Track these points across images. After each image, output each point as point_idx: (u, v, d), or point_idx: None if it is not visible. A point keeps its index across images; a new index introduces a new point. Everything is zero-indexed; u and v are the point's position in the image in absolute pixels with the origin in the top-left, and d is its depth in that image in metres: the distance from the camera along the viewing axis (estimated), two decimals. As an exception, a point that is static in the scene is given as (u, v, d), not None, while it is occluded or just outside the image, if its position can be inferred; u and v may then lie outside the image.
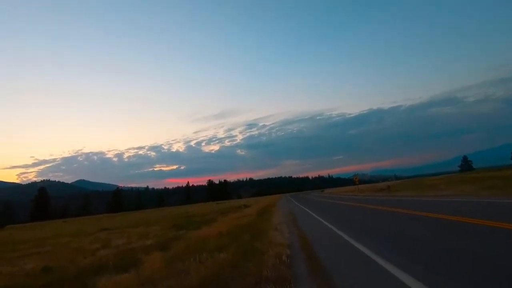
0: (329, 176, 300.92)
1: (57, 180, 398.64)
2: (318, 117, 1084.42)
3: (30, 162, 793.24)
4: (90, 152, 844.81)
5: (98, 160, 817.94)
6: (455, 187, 22.10)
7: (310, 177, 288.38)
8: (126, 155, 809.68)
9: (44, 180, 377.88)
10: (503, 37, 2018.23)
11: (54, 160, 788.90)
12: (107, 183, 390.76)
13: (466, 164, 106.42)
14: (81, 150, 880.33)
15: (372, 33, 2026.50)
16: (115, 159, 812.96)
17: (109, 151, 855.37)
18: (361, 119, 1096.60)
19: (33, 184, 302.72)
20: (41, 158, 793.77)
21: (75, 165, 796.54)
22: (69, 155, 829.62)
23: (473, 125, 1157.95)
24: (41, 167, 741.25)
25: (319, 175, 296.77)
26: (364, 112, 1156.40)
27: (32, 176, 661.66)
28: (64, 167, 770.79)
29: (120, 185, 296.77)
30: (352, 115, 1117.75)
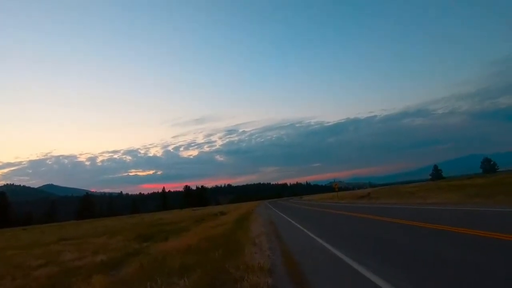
0: (307, 183, 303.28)
1: (22, 185, 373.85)
2: (297, 125, 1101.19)
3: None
4: (61, 156, 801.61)
5: (69, 163, 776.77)
6: (439, 195, 21.50)
7: (289, 184, 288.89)
8: (99, 159, 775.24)
9: (7, 184, 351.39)
10: (469, 55, 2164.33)
11: (20, 163, 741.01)
12: (78, 188, 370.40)
13: (436, 173, 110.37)
14: (50, 153, 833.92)
15: (351, 45, 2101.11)
16: (87, 163, 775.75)
17: (81, 154, 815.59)
18: (338, 128, 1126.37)
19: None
20: (5, 160, 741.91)
21: (43, 168, 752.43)
22: (37, 158, 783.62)
23: (442, 136, 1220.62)
24: (5, 170, 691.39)
25: (297, 182, 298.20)
26: (342, 121, 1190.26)
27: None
28: (31, 171, 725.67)
29: (92, 190, 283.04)
30: (330, 124, 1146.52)
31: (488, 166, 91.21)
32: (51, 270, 9.38)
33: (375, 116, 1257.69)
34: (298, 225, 12.43)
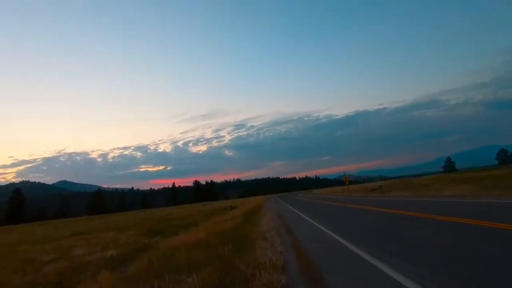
0: (315, 176, 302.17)
1: (37, 181, 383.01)
2: (305, 118, 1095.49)
3: (8, 162, 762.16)
4: (73, 152, 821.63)
5: (81, 160, 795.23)
6: (453, 188, 20.85)
7: (297, 178, 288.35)
8: (110, 155, 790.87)
9: (23, 181, 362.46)
10: (482, 43, 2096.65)
11: (34, 160, 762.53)
12: (91, 184, 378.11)
13: (449, 165, 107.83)
14: (63, 150, 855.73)
15: (359, 38, 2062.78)
16: (99, 159, 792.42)
17: (93, 151, 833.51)
18: (347, 121, 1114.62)
19: (10, 185, 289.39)
20: (21, 158, 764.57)
21: (57, 165, 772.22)
22: (51, 155, 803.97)
23: (454, 128, 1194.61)
24: (21, 167, 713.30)
25: (306, 176, 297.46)
26: (351, 114, 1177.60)
27: (10, 177, 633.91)
28: (45, 168, 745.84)
29: (104, 186, 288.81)
30: (339, 117, 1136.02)
31: (505, 157, 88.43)
32: (61, 266, 9.34)
33: (385, 108, 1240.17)
34: (310, 220, 12.00)
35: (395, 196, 22.15)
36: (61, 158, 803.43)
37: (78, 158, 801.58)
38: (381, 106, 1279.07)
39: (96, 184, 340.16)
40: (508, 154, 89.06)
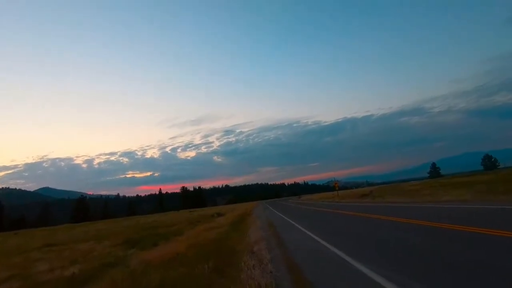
0: (304, 182, 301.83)
1: (18, 188, 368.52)
2: (294, 125, 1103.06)
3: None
4: (57, 158, 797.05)
5: (65, 166, 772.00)
6: (447, 193, 20.16)
7: (286, 184, 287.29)
8: (96, 161, 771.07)
9: (3, 188, 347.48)
10: (465, 53, 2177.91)
11: (15, 166, 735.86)
12: (75, 190, 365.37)
13: (434, 171, 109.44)
14: (46, 155, 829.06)
15: (348, 47, 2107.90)
16: (84, 165, 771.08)
17: (78, 157, 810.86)
18: (336, 127, 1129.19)
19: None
20: (1, 164, 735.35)
21: (39, 171, 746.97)
22: (33, 161, 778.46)
23: (438, 134, 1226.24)
24: (1, 173, 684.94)
25: (295, 182, 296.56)
26: (339, 120, 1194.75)
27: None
28: (27, 174, 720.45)
29: (89, 193, 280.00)
30: (327, 123, 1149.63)
31: (489, 163, 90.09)
32: (11, 287, 7.92)
33: (372, 115, 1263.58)
34: (303, 229, 10.82)
35: (389, 202, 21.33)
36: (44, 164, 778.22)
37: (62, 164, 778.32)
38: (368, 113, 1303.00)
39: (80, 191, 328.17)
40: (493, 159, 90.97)
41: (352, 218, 12.62)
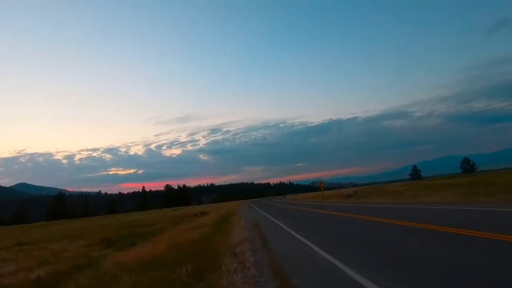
0: (289, 182, 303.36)
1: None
2: (281, 125, 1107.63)
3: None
4: (35, 153, 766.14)
5: (44, 161, 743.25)
6: (431, 194, 20.39)
7: (272, 183, 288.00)
8: (77, 157, 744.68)
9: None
10: (445, 60, 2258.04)
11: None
12: (54, 187, 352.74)
13: (415, 173, 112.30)
14: (24, 150, 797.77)
15: (333, 50, 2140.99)
16: (64, 161, 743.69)
17: (58, 152, 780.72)
18: (322, 128, 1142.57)
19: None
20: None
21: (16, 166, 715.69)
22: (10, 155, 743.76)
23: (420, 138, 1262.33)
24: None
25: (280, 182, 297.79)
26: (325, 121, 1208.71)
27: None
28: (2, 169, 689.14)
29: (70, 190, 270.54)
30: (313, 124, 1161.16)
31: (468, 166, 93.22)
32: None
33: (357, 117, 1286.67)
34: (288, 229, 10.47)
35: (374, 202, 21.37)
36: (21, 159, 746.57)
37: (41, 159, 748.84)
38: (354, 115, 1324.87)
39: (60, 187, 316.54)
40: (471, 163, 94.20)
41: (336, 219, 12.42)
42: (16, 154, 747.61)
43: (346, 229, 9.33)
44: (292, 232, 9.53)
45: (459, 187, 22.24)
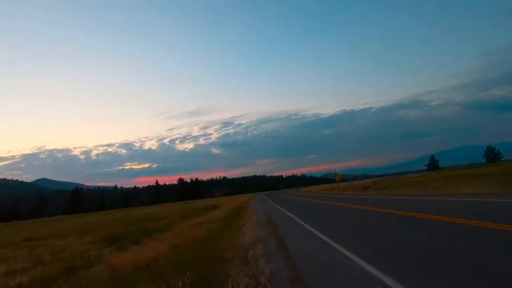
0: (302, 175, 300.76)
1: (14, 179, 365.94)
2: (293, 117, 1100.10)
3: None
4: (54, 149, 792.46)
5: (62, 157, 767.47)
6: (464, 185, 18.38)
7: (284, 176, 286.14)
8: (94, 152, 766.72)
9: (0, 178, 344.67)
10: (463, 47, 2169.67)
11: (12, 157, 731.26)
12: (72, 182, 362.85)
13: (433, 163, 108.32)
14: (43, 146, 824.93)
15: (347, 39, 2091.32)
16: (82, 156, 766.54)
17: (75, 148, 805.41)
18: (334, 120, 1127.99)
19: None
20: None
21: (36, 162, 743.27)
22: (30, 152, 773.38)
23: (436, 127, 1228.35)
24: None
25: (292, 174, 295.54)
26: (338, 112, 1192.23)
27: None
28: (24, 165, 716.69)
29: (87, 184, 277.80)
30: (326, 116, 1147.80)
31: (492, 155, 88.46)
32: None
33: (371, 108, 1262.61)
34: (308, 227, 9.02)
35: (397, 194, 19.69)
36: (41, 155, 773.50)
37: (60, 155, 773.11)
38: (367, 106, 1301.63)
39: (78, 182, 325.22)
40: (495, 151, 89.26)
41: (363, 213, 10.80)
42: (36, 151, 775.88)
43: (380, 226, 7.59)
44: (315, 231, 7.98)
45: (487, 176, 20.39)
